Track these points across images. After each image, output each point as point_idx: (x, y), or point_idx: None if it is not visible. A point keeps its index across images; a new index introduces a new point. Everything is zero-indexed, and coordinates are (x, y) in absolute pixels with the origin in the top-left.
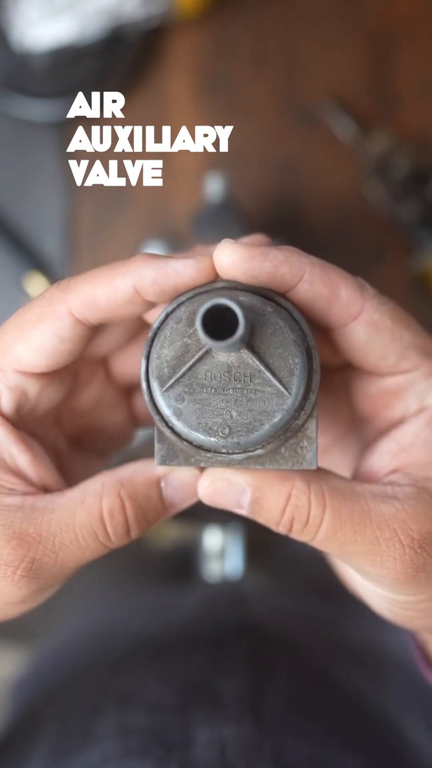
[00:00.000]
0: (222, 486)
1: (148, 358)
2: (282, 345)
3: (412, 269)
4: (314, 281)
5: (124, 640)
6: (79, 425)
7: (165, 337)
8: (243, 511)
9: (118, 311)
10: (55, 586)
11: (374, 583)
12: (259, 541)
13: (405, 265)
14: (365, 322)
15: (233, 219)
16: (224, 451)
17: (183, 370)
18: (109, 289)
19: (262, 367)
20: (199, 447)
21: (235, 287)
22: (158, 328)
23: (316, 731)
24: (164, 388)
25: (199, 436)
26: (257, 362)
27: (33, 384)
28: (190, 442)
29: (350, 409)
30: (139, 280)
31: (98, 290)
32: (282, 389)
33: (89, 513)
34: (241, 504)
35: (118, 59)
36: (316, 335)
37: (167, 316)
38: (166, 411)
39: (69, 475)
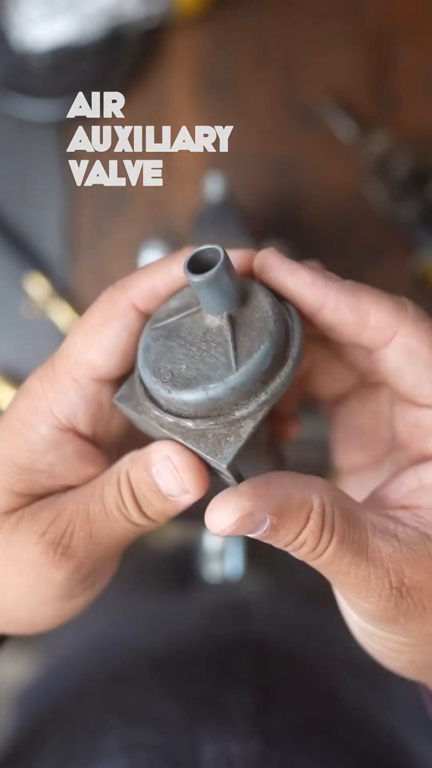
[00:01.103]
0: (246, 521)
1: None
2: (259, 330)
3: (412, 269)
4: (339, 308)
5: (127, 651)
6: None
7: (179, 293)
8: (256, 537)
9: None
10: (94, 574)
11: (356, 611)
12: (259, 542)
13: (405, 265)
14: (398, 348)
15: (233, 219)
16: (162, 403)
17: (173, 318)
18: (167, 277)
19: (229, 338)
20: (146, 391)
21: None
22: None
23: (323, 748)
24: (153, 327)
25: (147, 374)
26: (228, 333)
27: (108, 394)
28: (141, 381)
29: (391, 432)
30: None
31: (157, 279)
32: (232, 364)
33: (111, 484)
34: (256, 531)
35: (117, 59)
36: (319, 355)
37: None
38: (141, 344)
39: None
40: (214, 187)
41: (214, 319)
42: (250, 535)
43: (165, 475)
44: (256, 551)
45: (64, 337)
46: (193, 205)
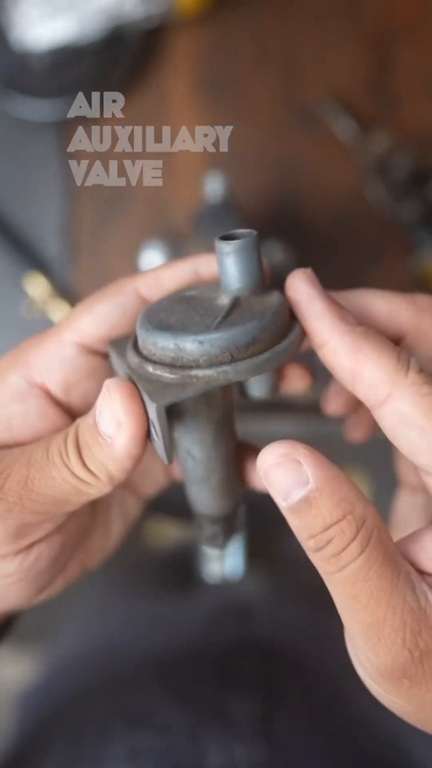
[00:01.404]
0: (290, 466)
1: None
2: (253, 315)
3: (412, 269)
4: (338, 351)
5: (129, 654)
6: None
7: (189, 289)
8: (284, 505)
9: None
10: (35, 534)
11: (362, 660)
12: (260, 542)
13: (405, 265)
14: (391, 411)
15: (233, 219)
16: (139, 345)
17: (191, 292)
18: (173, 271)
19: (225, 310)
20: (135, 338)
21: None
22: None
23: (327, 752)
24: (169, 296)
25: (141, 316)
26: (227, 307)
27: (85, 363)
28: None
29: None
30: (200, 262)
31: (165, 273)
32: (212, 325)
33: (59, 435)
34: (290, 496)
35: (117, 59)
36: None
37: None
38: (154, 303)
39: (96, 504)
40: (214, 187)
41: (224, 298)
42: (280, 503)
43: (103, 409)
44: (256, 552)
45: None
46: (193, 205)
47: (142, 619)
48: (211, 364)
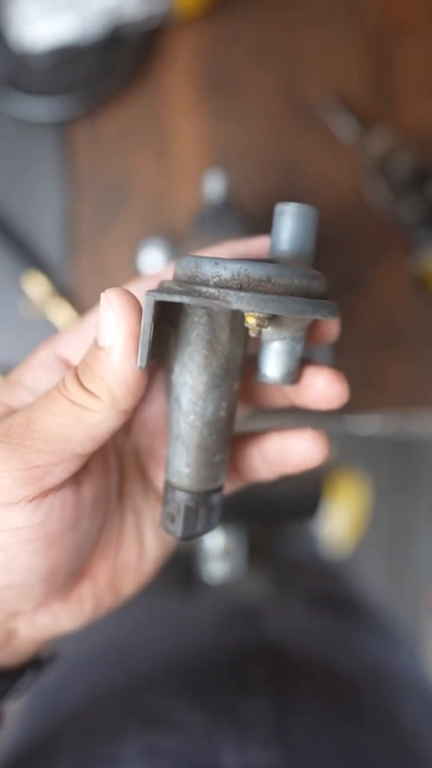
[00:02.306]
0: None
1: None
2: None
3: (412, 269)
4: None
5: (142, 655)
6: (146, 447)
7: None
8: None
9: None
10: (53, 476)
11: None
12: (260, 542)
13: (405, 265)
14: None
15: (234, 218)
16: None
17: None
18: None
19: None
20: (177, 261)
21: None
22: None
23: (341, 756)
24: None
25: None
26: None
27: None
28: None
29: None
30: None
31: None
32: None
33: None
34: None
35: (118, 59)
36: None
37: None
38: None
39: (125, 498)
40: (214, 186)
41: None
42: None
43: (102, 317)
44: (256, 552)
45: None
46: (193, 204)
47: (150, 616)
48: (218, 286)
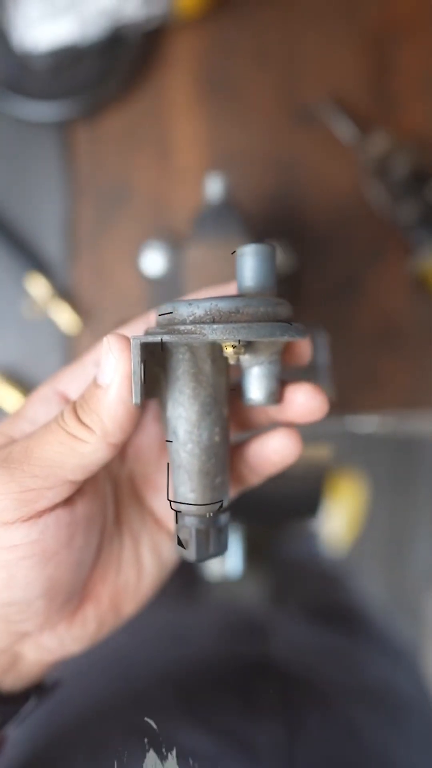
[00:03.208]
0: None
1: None
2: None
3: (412, 269)
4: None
5: (142, 671)
6: (141, 474)
7: None
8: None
9: None
10: (47, 498)
11: None
12: (260, 542)
13: (404, 266)
14: None
15: (234, 219)
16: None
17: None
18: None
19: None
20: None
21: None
22: None
23: None
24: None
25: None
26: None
27: None
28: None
29: None
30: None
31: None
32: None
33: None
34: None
35: (118, 60)
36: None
37: None
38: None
39: (122, 523)
40: (214, 187)
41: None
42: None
43: (102, 358)
44: (257, 552)
45: (64, 337)
46: (193, 205)
47: (152, 629)
48: (194, 322)
